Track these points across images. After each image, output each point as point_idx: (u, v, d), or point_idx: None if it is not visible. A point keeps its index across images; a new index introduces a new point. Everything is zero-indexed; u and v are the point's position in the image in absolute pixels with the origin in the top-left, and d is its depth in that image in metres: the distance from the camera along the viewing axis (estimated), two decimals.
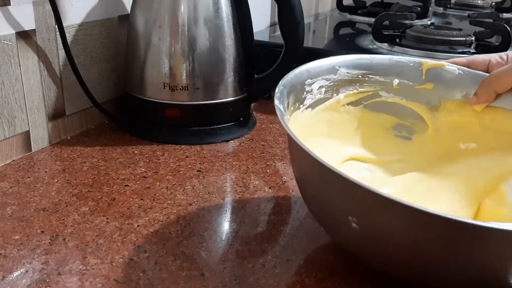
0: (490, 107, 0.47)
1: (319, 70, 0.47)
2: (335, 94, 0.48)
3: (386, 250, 0.35)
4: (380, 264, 0.37)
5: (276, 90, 0.41)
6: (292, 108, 0.44)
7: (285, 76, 0.43)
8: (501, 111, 0.39)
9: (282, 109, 0.40)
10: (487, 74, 0.48)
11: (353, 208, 0.34)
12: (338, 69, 0.48)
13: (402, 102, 0.50)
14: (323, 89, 0.47)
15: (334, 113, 0.49)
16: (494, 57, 0.48)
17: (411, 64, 0.49)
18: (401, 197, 0.30)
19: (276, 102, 0.40)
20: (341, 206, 0.36)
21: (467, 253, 0.31)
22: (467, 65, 0.49)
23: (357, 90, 0.49)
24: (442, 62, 0.49)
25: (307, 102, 0.46)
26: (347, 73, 0.48)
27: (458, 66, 0.49)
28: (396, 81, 0.49)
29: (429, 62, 0.49)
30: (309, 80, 0.46)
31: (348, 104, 0.49)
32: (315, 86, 0.46)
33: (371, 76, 0.49)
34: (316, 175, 0.37)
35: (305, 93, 0.46)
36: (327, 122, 0.49)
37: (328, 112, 0.48)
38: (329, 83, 0.48)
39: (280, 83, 0.42)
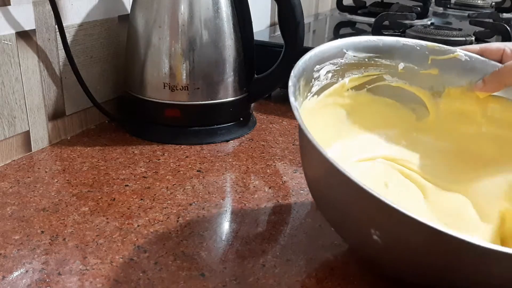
0: (493, 96, 0.46)
1: (328, 54, 0.46)
2: (340, 79, 0.48)
3: (408, 264, 0.34)
4: (399, 274, 0.37)
5: (290, 83, 0.40)
6: (301, 99, 0.43)
7: (296, 64, 0.42)
8: (504, 101, 0.39)
9: (297, 107, 0.38)
10: (496, 63, 0.46)
11: (377, 222, 0.33)
12: (345, 53, 0.47)
13: (405, 87, 0.50)
14: (330, 74, 0.47)
15: (338, 97, 0.48)
16: (509, 46, 0.46)
17: (418, 48, 0.49)
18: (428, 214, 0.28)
19: (291, 99, 0.38)
20: (364, 219, 0.35)
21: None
22: (480, 53, 0.48)
23: (362, 74, 0.49)
24: (452, 47, 0.48)
25: (314, 89, 0.45)
26: (354, 56, 0.48)
27: (465, 52, 0.48)
28: (401, 65, 0.49)
29: (435, 46, 0.48)
30: (317, 66, 0.45)
31: (352, 88, 0.49)
32: (322, 72, 0.46)
33: (377, 59, 0.49)
34: (338, 188, 0.36)
35: (313, 80, 0.45)
36: (335, 112, 0.48)
37: (332, 98, 0.48)
38: (336, 67, 0.47)
39: (292, 73, 0.41)
